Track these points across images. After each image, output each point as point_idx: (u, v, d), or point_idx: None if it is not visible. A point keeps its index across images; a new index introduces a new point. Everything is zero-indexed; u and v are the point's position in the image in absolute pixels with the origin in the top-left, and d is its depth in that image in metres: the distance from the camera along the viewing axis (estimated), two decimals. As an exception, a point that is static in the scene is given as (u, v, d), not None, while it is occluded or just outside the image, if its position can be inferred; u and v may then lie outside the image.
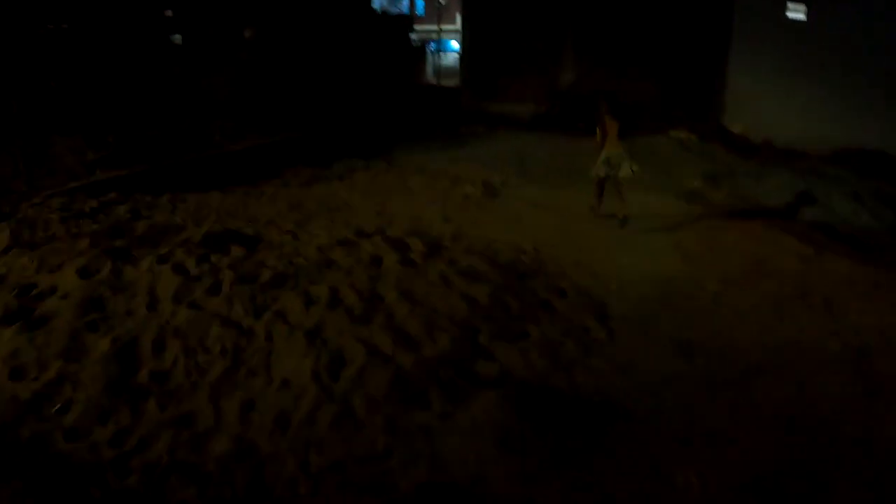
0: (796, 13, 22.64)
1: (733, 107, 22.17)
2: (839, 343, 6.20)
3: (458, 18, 37.49)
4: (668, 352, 5.70)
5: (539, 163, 14.64)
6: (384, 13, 32.50)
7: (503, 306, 5.99)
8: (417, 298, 5.83)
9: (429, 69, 38.01)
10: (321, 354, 4.87)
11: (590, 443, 4.31)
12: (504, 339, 5.44)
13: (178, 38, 19.20)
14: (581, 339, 5.77)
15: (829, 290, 7.66)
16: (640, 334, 6.03)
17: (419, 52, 32.33)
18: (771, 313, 6.93)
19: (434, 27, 37.88)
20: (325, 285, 5.91)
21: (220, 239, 7.18)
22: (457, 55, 39.85)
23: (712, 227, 10.37)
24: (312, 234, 7.92)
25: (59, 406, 4.39)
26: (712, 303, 7.17)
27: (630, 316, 6.48)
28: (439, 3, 38.53)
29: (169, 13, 18.90)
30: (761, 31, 22.21)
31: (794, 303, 7.23)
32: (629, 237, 9.48)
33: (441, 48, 39.16)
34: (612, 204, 10.25)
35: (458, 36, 36.94)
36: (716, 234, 9.99)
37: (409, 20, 32.80)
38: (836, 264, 8.86)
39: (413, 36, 31.36)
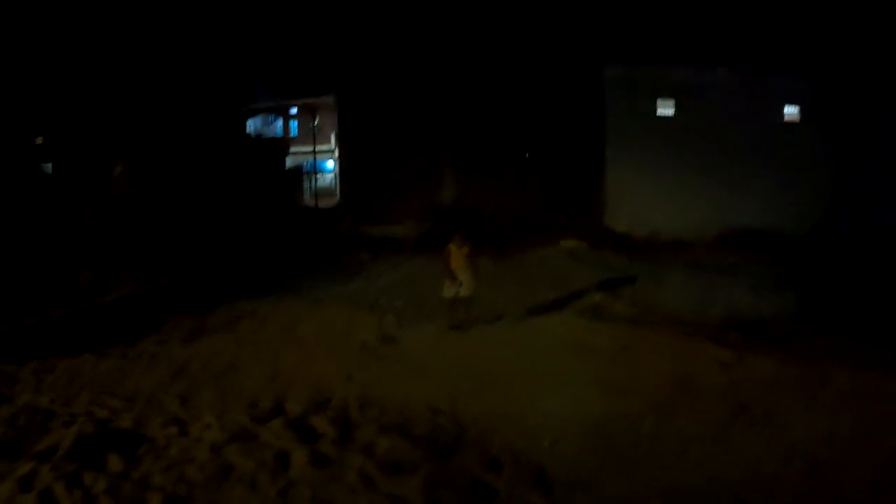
0: (665, 108, 23.43)
1: (615, 205, 22.48)
2: (796, 469, 5.92)
3: (333, 138, 37.41)
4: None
5: (430, 293, 14.03)
6: (258, 137, 32.07)
7: (441, 506, 5.17)
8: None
9: (306, 191, 37.60)
10: None
11: None
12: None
13: (48, 167, 18.25)
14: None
15: (762, 400, 7.47)
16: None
17: (296, 174, 31.89)
18: (716, 445, 6.55)
19: (309, 148, 37.59)
20: None
21: (95, 445, 6.11)
22: (332, 175, 39.67)
23: (625, 347, 9.95)
24: (202, 422, 6.91)
25: None
26: (653, 444, 6.65)
27: (574, 480, 5.83)
28: (313, 124, 38.30)
29: (39, 140, 17.95)
30: (635, 129, 22.86)
31: (735, 425, 6.93)
32: (545, 370, 8.89)
33: (317, 169, 38.83)
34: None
35: (334, 156, 36.81)
36: (631, 355, 9.58)
37: (284, 143, 32.52)
38: (759, 366, 8.85)
39: (288, 159, 30.98)
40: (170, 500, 5.11)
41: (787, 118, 24.07)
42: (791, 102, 23.93)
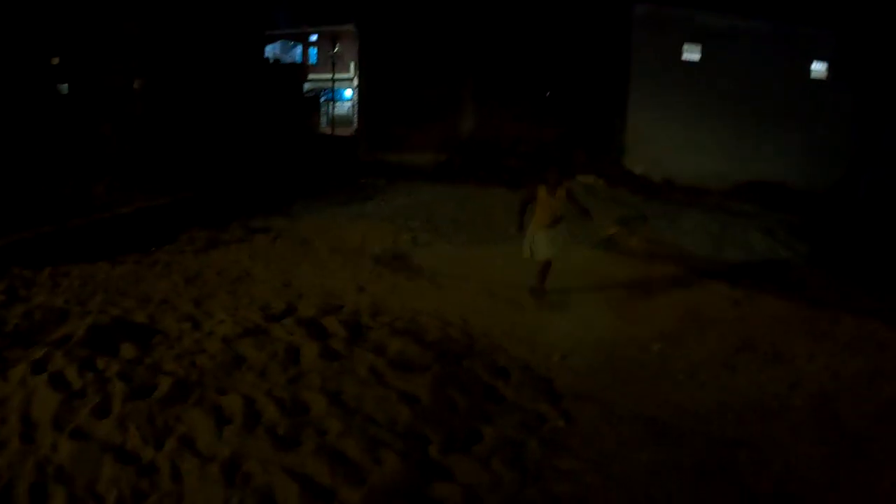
0: (691, 54, 23.10)
1: (634, 147, 22.31)
2: (801, 397, 5.94)
3: (352, 67, 37.09)
4: (636, 435, 5.06)
5: (446, 217, 14.06)
6: (276, 62, 31.84)
7: (448, 403, 5.17)
8: (350, 404, 4.95)
9: (323, 119, 37.44)
10: (245, 498, 3.85)
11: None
12: (458, 449, 4.58)
13: (65, 87, 18.15)
14: (540, 432, 5.02)
15: (770, 335, 7.49)
16: (600, 415, 5.37)
17: (313, 101, 31.73)
18: (724, 371, 6.60)
19: (328, 76, 37.29)
20: (237, 395, 4.93)
21: (108, 334, 6.13)
22: (350, 104, 39.42)
23: (637, 279, 10.00)
24: (215, 319, 6.95)
25: None
26: (662, 366, 6.71)
27: (582, 393, 5.84)
28: (333, 51, 37.97)
29: (56, 61, 17.84)
30: (659, 73, 22.54)
31: (743, 355, 6.96)
32: (558, 294, 8.92)
33: (335, 97, 38.59)
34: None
35: (352, 85, 36.58)
36: (642, 287, 9.63)
37: (302, 69, 32.28)
38: (769, 305, 8.79)
39: (307, 85, 30.78)
40: (180, 384, 5.09)
41: (814, 75, 23.74)
42: (819, 59, 23.57)
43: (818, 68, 23.72)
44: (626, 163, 21.83)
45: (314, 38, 44.58)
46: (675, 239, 13.05)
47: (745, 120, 22.51)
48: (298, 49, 45.26)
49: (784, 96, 22.77)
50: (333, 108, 37.64)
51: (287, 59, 40.29)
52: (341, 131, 33.33)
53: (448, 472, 4.36)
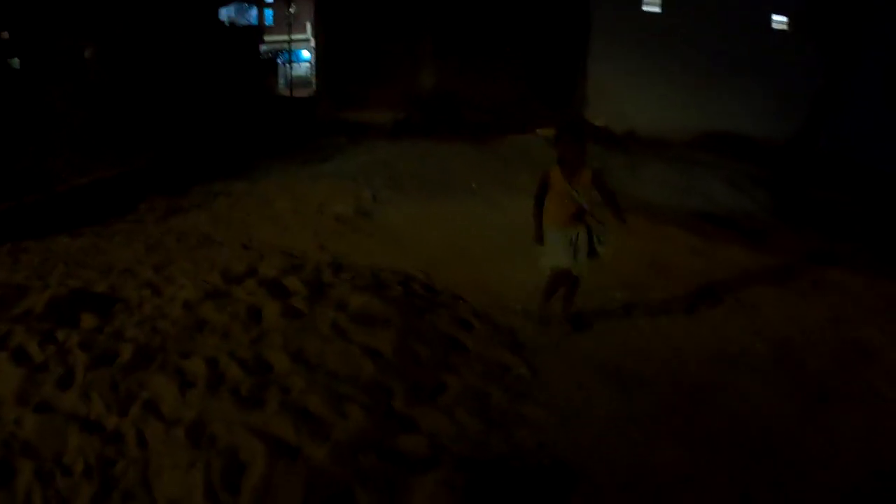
0: (651, 5, 23.03)
1: (595, 100, 22.31)
2: (765, 345, 5.98)
3: (309, 27, 36.65)
4: (599, 383, 5.09)
5: (407, 173, 13.98)
6: (232, 25, 31.33)
7: (412, 356, 5.16)
8: (312, 361, 4.93)
9: (281, 80, 37.05)
10: (211, 459, 3.82)
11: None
12: (423, 400, 4.60)
13: (15, 62, 17.72)
14: (504, 381, 5.05)
15: (733, 283, 7.58)
16: (563, 364, 5.40)
17: (270, 63, 31.29)
18: (687, 319, 6.64)
19: (284, 37, 36.82)
20: (199, 358, 4.92)
21: (68, 305, 6.07)
22: (308, 65, 39.00)
23: (599, 227, 9.91)
24: (176, 285, 6.87)
25: None
26: (625, 315, 6.71)
27: (545, 342, 5.87)
28: (289, 12, 37.43)
29: (5, 35, 17.41)
30: (619, 24, 22.48)
31: (706, 303, 7.01)
32: (519, 246, 8.88)
33: (292, 58, 38.14)
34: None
35: (309, 45, 36.14)
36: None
37: (258, 31, 31.80)
38: (732, 254, 8.95)
39: (263, 47, 30.36)
40: (143, 350, 5.06)
41: (776, 26, 23.75)
42: (782, 10, 23.58)
43: (781, 20, 23.76)
44: (588, 115, 21.79)
45: (270, -1, 44.04)
46: (637, 190, 13.04)
47: (707, 71, 22.53)
48: (254, 11, 44.61)
49: (746, 48, 22.80)
50: (291, 69, 37.21)
51: (243, 21, 39.69)
52: (299, 92, 33.02)
53: (413, 424, 4.38)
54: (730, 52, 22.59)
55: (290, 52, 37.82)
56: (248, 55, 25.51)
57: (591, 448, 4.25)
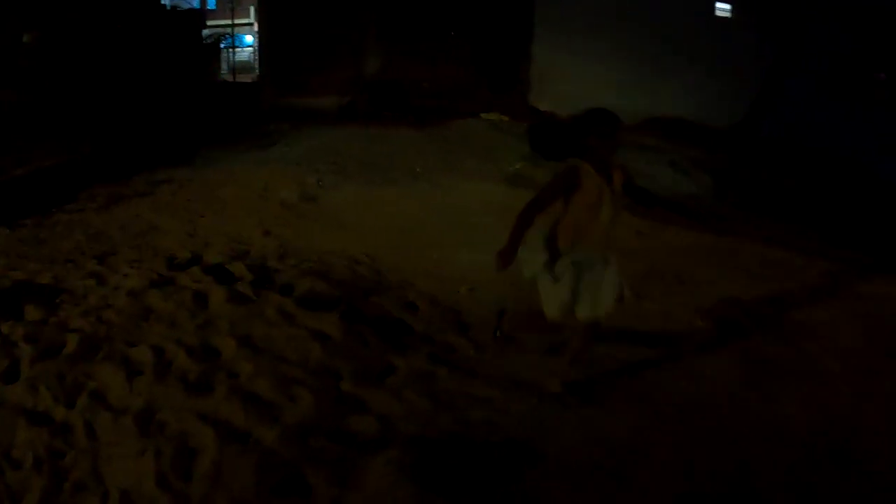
0: (596, -14, 23.12)
1: (539, 84, 22.32)
2: (707, 321, 6.10)
3: (253, 12, 36.21)
4: (545, 361, 5.12)
5: (352, 158, 13.92)
6: (174, 9, 30.82)
7: (359, 338, 5.18)
8: (260, 346, 4.94)
9: (224, 66, 36.56)
10: (161, 447, 3.82)
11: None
12: (371, 382, 4.63)
13: None
14: (451, 362, 5.08)
15: (676, 263, 7.72)
16: (509, 343, 5.43)
17: (213, 48, 30.83)
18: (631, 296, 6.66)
19: (227, 21, 36.33)
20: (146, 346, 4.90)
21: (11, 298, 6.03)
22: (252, 50, 38.54)
23: (545, 212, 9.98)
24: (120, 274, 6.81)
25: None
26: (571, 296, 6.74)
27: (491, 323, 5.89)
28: (231, -5, 36.98)
29: None
30: (564, 8, 22.47)
31: (648, 281, 7.09)
32: (465, 229, 8.94)
33: (235, 43, 37.64)
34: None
35: (253, 30, 35.71)
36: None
37: (200, 16, 31.30)
38: (674, 235, 9.11)
39: (206, 32, 29.90)
40: (89, 341, 5.04)
41: (720, 13, 23.97)
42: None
43: (725, 7, 23.99)
44: (532, 100, 21.82)
45: (212, -18, 43.46)
46: (582, 172, 13.15)
47: (651, 57, 22.67)
48: (196, -6, 44.04)
49: (691, 34, 23.00)
50: (234, 54, 36.73)
51: (185, 5, 39.10)
52: (243, 78, 32.60)
53: (363, 405, 4.40)
54: (675, 38, 22.78)
55: (233, 36, 37.36)
56: (190, 40, 25.14)
57: (543, 425, 4.30)
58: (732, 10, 23.42)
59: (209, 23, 36.24)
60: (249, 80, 29.53)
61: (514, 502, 3.62)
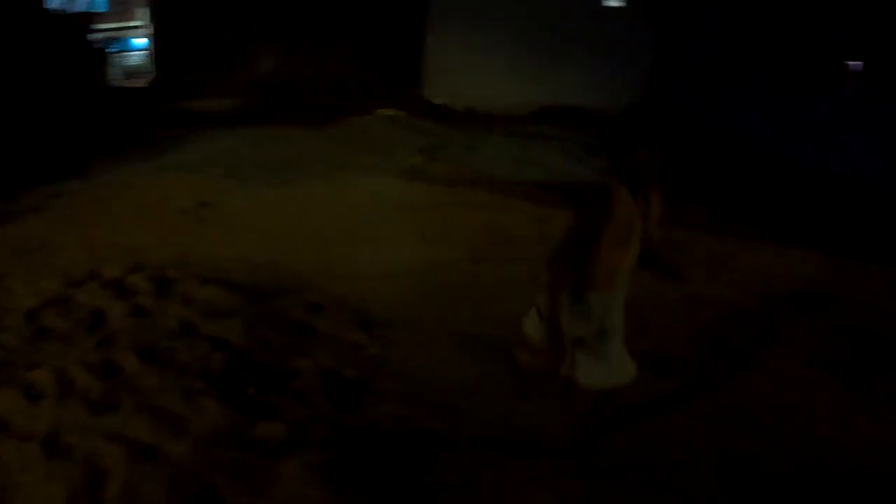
0: (487, -21, 23.32)
1: (434, 78, 22.47)
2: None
3: (145, 14, 35.36)
4: (452, 353, 5.29)
5: (249, 161, 13.74)
6: (60, 13, 29.83)
7: (262, 343, 5.22)
8: (163, 358, 4.91)
9: (114, 70, 35.66)
10: (70, 471, 3.74)
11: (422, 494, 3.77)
12: (277, 387, 4.67)
13: None
14: (356, 360, 5.17)
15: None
16: (414, 338, 5.57)
17: (101, 52, 30.00)
18: (532, 286, 6.74)
19: (117, 24, 35.40)
20: (46, 368, 4.76)
21: None
22: (144, 53, 37.66)
23: (442, 204, 10.11)
24: (13, 295, 6.58)
25: None
26: (473, 285, 6.97)
27: (395, 319, 6.02)
28: (121, -2, 36.00)
29: None
30: (457, 2, 22.57)
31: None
32: (365, 227, 8.99)
33: (126, 47, 36.74)
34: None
35: (145, 33, 34.86)
36: (448, 211, 9.76)
37: (87, 18, 30.35)
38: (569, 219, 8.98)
39: (96, 36, 29.06)
40: (-14, 368, 4.90)
41: (611, 3, 24.41)
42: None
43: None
44: (427, 93, 21.95)
45: (99, -16, 42.19)
46: (479, 165, 13.33)
47: (544, 47, 23.00)
48: (83, -3, 42.71)
49: (582, 23, 23.37)
50: (125, 58, 35.80)
51: (74, 8, 37.92)
52: (135, 82, 31.81)
53: (270, 410, 4.44)
54: (566, 28, 23.14)
55: (123, 39, 36.42)
56: (78, 44, 24.38)
57: (450, 413, 4.42)
58: (623, 1, 23.87)
59: (100, 26, 35.28)
60: (142, 85, 28.84)
61: (424, 489, 3.74)
